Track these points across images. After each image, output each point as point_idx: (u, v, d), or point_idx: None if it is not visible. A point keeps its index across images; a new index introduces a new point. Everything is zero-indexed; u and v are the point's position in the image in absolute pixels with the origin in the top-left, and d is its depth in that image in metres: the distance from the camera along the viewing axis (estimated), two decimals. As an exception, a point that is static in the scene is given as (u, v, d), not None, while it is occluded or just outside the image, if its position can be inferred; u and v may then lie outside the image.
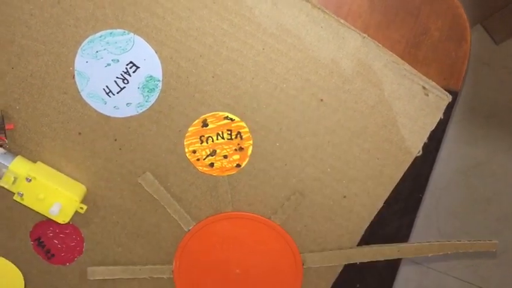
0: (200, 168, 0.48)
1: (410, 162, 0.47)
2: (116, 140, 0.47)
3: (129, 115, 0.46)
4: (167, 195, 0.48)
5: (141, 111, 0.46)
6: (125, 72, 0.45)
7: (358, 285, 0.51)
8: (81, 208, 0.47)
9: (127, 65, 0.45)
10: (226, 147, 0.47)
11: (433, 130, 0.46)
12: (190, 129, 0.47)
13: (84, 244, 0.50)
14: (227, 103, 0.46)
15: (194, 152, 0.47)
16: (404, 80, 0.45)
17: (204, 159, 0.47)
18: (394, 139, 0.47)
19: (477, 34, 1.14)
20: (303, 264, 0.50)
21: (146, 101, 0.46)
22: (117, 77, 0.45)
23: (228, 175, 0.48)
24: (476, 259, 1.26)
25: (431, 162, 0.48)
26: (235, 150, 0.47)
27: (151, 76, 0.45)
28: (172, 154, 0.47)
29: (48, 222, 0.48)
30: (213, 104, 0.46)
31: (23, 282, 0.50)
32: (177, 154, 0.47)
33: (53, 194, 0.45)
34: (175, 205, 0.49)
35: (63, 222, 0.46)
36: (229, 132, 0.47)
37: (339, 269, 0.50)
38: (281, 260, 0.50)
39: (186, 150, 0.47)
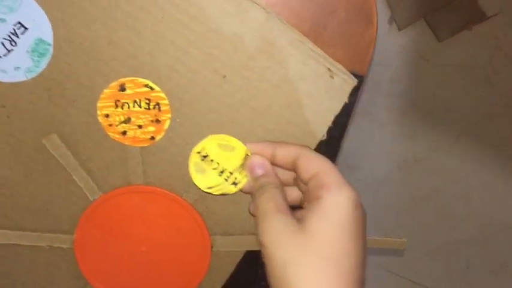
0: (112, 134, 0.45)
1: (315, 146, 0.46)
2: (3, 106, 0.44)
3: (17, 80, 0.43)
4: (74, 160, 0.45)
5: (31, 76, 0.43)
6: (13, 34, 0.42)
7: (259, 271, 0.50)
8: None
9: (14, 25, 0.42)
10: (143, 116, 0.44)
11: (338, 115, 0.45)
12: (106, 91, 0.44)
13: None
14: (124, 73, 0.43)
15: (107, 116, 0.44)
16: (310, 60, 0.44)
17: (117, 125, 0.44)
18: (299, 121, 0.45)
19: (420, 29, 1.15)
20: (212, 247, 0.49)
21: (36, 66, 0.43)
22: (4, 38, 0.42)
23: (140, 146, 0.46)
24: (410, 254, 1.28)
25: (336, 148, 0.47)
26: (152, 121, 0.45)
27: (41, 39, 0.42)
28: (79, 118, 0.44)
29: None
30: (109, 74, 0.43)
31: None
32: (86, 120, 0.44)
33: None
34: (81, 172, 0.46)
35: None
36: (147, 102, 0.44)
37: (242, 254, 0.49)
38: (190, 240, 0.48)
39: (99, 113, 0.44)
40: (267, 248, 0.37)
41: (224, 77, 0.44)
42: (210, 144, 0.45)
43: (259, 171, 0.43)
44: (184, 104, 0.44)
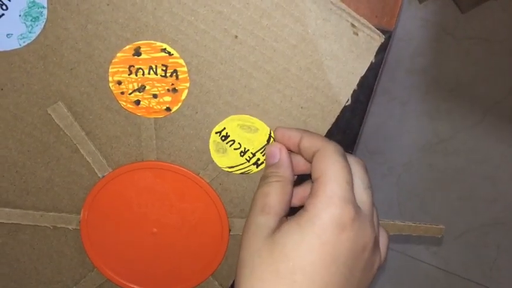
0: (123, 104, 0.41)
1: (338, 113, 0.42)
2: (-4, 78, 0.40)
3: (10, 49, 0.39)
4: (81, 132, 0.42)
5: (25, 44, 0.39)
6: (3, -4, 0.38)
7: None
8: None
9: (4, -14, 0.38)
10: (158, 85, 0.40)
11: (363, 76, 0.41)
12: (119, 55, 0.40)
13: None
14: (126, 37, 0.39)
15: (119, 83, 0.40)
16: (331, 15, 0.39)
17: (130, 93, 0.41)
18: (320, 85, 0.41)
19: (442, 1, 1.09)
20: (230, 231, 0.45)
21: (30, 32, 0.39)
22: (-7, 2, 0.38)
23: (154, 118, 0.42)
24: (435, 240, 1.23)
25: (362, 114, 0.42)
26: (168, 90, 0.41)
27: (34, 1, 0.38)
28: (79, 88, 0.41)
29: None
30: (108, 38, 0.39)
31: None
32: (86, 90, 0.41)
33: None
34: (89, 145, 0.42)
35: None
36: (164, 68, 0.40)
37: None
38: (206, 222, 0.45)
39: (111, 79, 0.40)
40: (241, 244, 0.35)
41: (236, 37, 0.40)
42: (231, 124, 0.41)
43: (273, 160, 0.39)
44: (191, 70, 0.40)
